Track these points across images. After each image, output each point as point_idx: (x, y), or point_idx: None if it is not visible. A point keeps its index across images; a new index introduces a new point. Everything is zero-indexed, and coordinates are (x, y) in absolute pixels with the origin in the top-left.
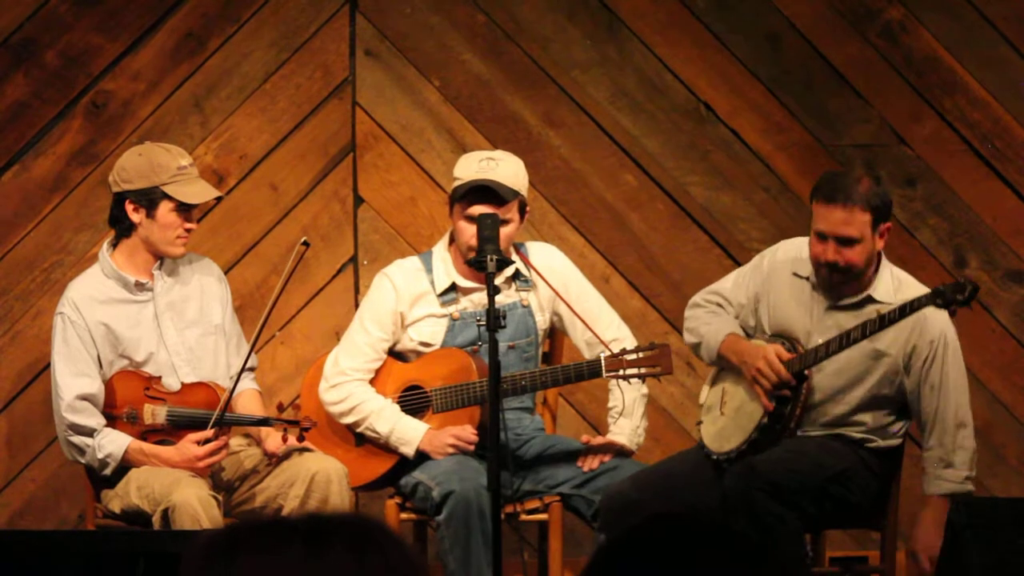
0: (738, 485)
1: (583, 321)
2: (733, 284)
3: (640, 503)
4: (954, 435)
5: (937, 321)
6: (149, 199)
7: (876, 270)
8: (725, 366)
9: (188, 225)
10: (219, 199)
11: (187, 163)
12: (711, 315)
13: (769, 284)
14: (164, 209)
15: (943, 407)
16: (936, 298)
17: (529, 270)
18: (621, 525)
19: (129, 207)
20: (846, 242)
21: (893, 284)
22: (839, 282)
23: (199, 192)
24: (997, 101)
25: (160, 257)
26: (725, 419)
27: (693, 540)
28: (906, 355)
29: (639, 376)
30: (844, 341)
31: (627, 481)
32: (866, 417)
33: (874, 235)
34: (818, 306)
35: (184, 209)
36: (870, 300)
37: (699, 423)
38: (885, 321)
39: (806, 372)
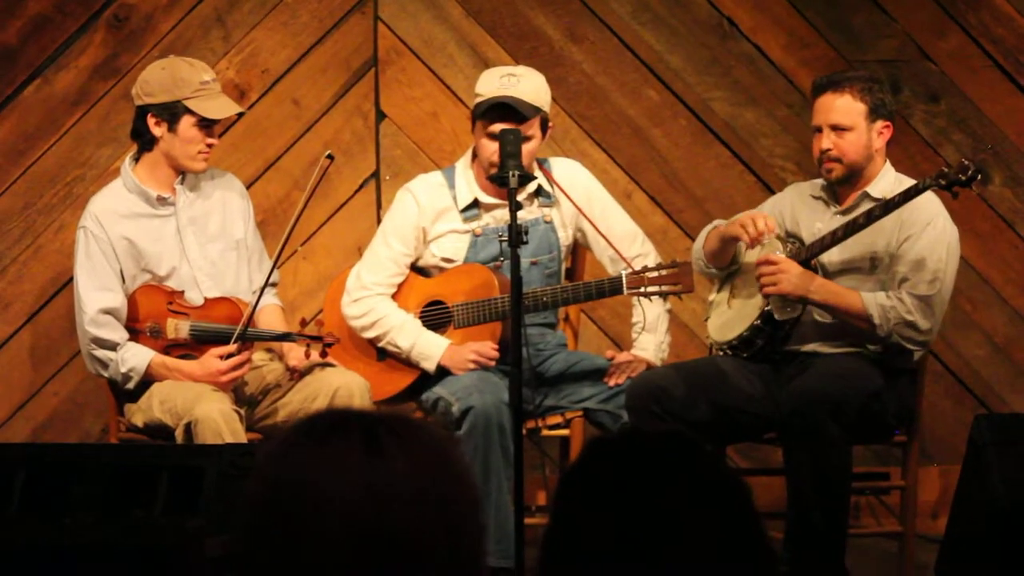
0: (798, 404)
1: (605, 238)
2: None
3: (666, 389)
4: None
5: (929, 206)
6: (171, 113)
7: (879, 172)
8: (716, 255)
9: (210, 140)
10: (241, 114)
11: (210, 78)
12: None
13: (787, 201)
14: (186, 124)
15: (915, 278)
16: (939, 179)
17: (552, 186)
18: (646, 411)
19: (151, 121)
20: (838, 129)
21: (896, 185)
22: (838, 176)
23: (221, 107)
24: (1022, 16)
25: (182, 172)
26: (731, 312)
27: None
28: (899, 241)
29: (660, 294)
30: (849, 228)
31: (656, 369)
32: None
33: (869, 129)
34: (827, 212)
35: (206, 124)
36: (866, 197)
37: (707, 319)
38: (889, 207)
39: (812, 263)
